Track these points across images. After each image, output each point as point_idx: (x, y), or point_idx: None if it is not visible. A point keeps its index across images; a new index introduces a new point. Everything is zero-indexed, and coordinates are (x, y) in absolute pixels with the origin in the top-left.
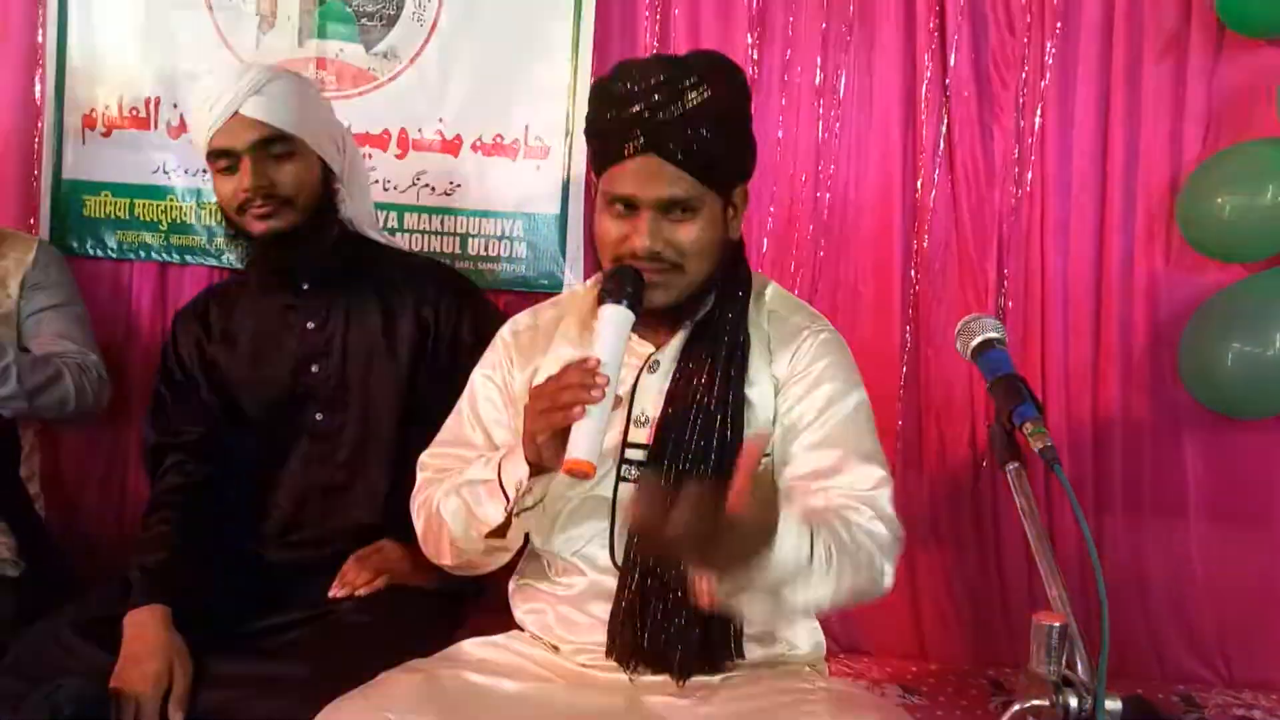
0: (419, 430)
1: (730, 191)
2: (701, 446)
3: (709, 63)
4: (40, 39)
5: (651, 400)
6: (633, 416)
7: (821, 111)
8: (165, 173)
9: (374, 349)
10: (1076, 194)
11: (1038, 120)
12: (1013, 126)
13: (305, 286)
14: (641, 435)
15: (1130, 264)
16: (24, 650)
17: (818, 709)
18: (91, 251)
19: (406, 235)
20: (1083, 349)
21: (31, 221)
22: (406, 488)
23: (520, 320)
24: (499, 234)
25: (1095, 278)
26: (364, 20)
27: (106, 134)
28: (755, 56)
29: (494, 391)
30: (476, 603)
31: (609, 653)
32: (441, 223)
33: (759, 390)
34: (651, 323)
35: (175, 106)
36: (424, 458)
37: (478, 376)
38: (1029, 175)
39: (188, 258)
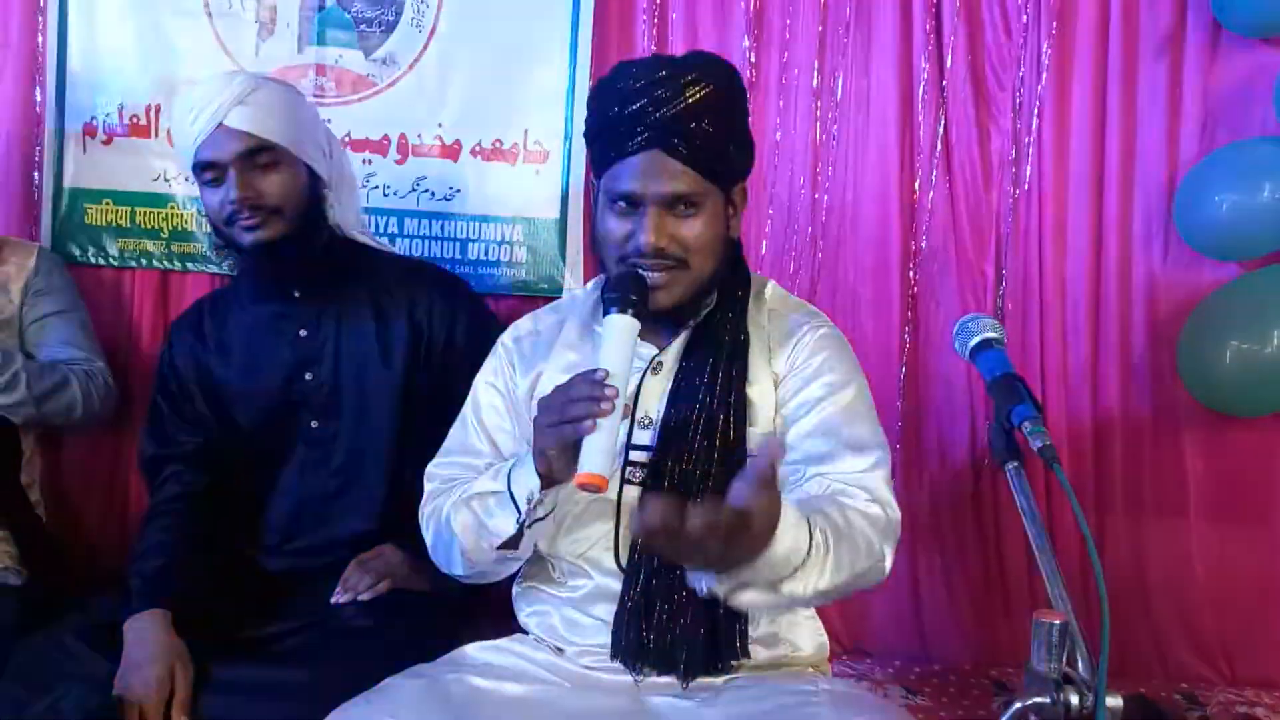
0: (415, 435)
1: (730, 189)
2: (704, 447)
3: (706, 60)
4: (41, 47)
5: (655, 402)
6: (636, 418)
7: (819, 114)
8: (166, 180)
9: (367, 354)
10: (1074, 194)
11: (1034, 121)
12: (1010, 127)
13: (297, 294)
14: (645, 437)
15: (1128, 263)
16: (26, 658)
17: (821, 710)
18: (93, 259)
19: (406, 240)
20: (1081, 348)
21: (33, 229)
22: (403, 493)
23: (521, 326)
24: (499, 239)
25: (1093, 277)
26: (363, 26)
27: (107, 142)
28: (753, 59)
29: (497, 399)
30: (478, 606)
31: (614, 654)
32: (441, 228)
33: (760, 389)
34: (654, 325)
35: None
36: (431, 468)
37: (480, 384)
38: (1026, 175)
39: (189, 265)
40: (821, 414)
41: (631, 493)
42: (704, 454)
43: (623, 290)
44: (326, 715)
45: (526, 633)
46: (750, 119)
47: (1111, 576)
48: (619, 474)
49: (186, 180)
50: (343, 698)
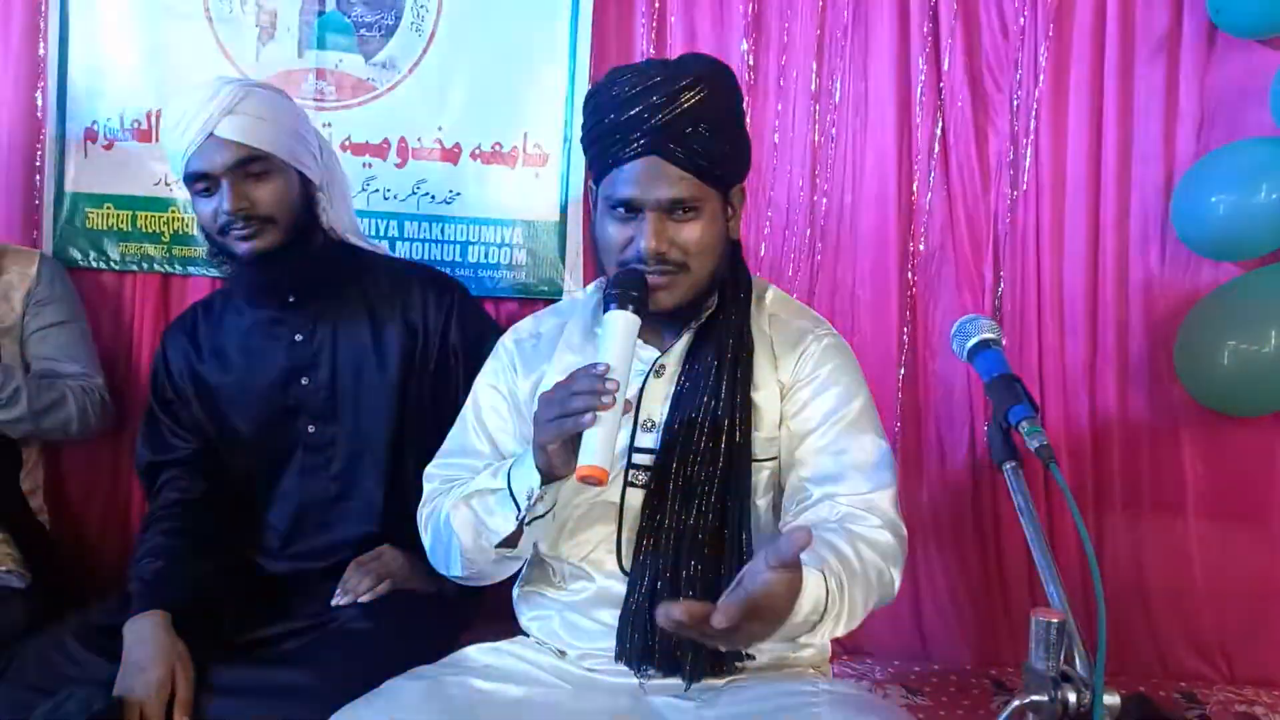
0: (413, 437)
1: (729, 190)
2: (709, 450)
3: (701, 63)
4: (42, 53)
5: (658, 405)
6: (639, 421)
7: (817, 116)
8: (167, 184)
9: (363, 358)
10: (1071, 195)
11: (1032, 122)
12: (1007, 129)
13: (291, 299)
14: (649, 440)
15: (1125, 263)
16: (29, 660)
17: (821, 710)
18: (94, 263)
19: (407, 244)
20: (1079, 348)
21: (34, 234)
22: (403, 496)
23: (523, 328)
24: (499, 241)
25: (1091, 277)
26: (363, 31)
27: (108, 147)
28: (751, 62)
29: (498, 400)
30: (478, 607)
31: (618, 656)
32: (441, 231)
33: (764, 394)
34: (656, 327)
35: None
36: (430, 469)
37: (481, 386)
38: (1024, 177)
39: (190, 269)
40: (830, 430)
41: (634, 496)
42: (708, 456)
43: (623, 287)
44: (328, 717)
45: (528, 634)
46: (748, 120)
47: (1110, 576)
48: (622, 476)
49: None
50: (344, 700)
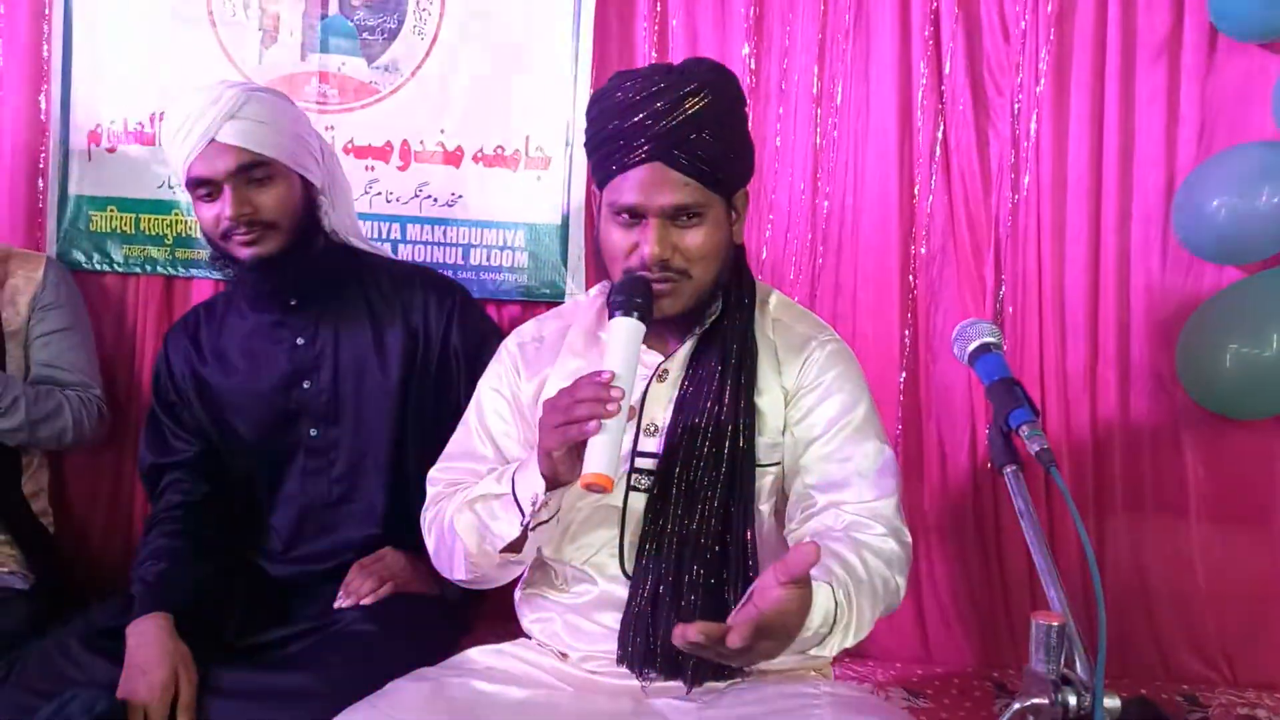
0: (414, 440)
1: (732, 195)
2: (713, 455)
3: (704, 69)
4: (46, 56)
5: (661, 409)
6: (642, 426)
7: (819, 120)
8: (170, 187)
9: (364, 362)
10: (1072, 198)
11: (1033, 126)
12: (1008, 132)
13: (293, 303)
14: (652, 444)
15: (1126, 267)
16: (32, 663)
17: (822, 713)
18: (98, 266)
19: (409, 246)
20: (1081, 352)
21: (38, 236)
22: (404, 498)
23: (525, 331)
24: (501, 244)
25: (1092, 281)
26: (365, 34)
27: (112, 150)
28: (753, 66)
29: (502, 404)
30: (481, 610)
31: (621, 660)
32: (444, 233)
33: (768, 399)
34: (660, 332)
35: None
36: (433, 472)
37: (484, 389)
38: (1025, 180)
39: (193, 271)
40: (835, 437)
41: (637, 500)
42: (711, 461)
43: (628, 293)
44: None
45: (530, 637)
46: (750, 125)
47: (1112, 579)
48: (625, 481)
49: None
50: (346, 702)
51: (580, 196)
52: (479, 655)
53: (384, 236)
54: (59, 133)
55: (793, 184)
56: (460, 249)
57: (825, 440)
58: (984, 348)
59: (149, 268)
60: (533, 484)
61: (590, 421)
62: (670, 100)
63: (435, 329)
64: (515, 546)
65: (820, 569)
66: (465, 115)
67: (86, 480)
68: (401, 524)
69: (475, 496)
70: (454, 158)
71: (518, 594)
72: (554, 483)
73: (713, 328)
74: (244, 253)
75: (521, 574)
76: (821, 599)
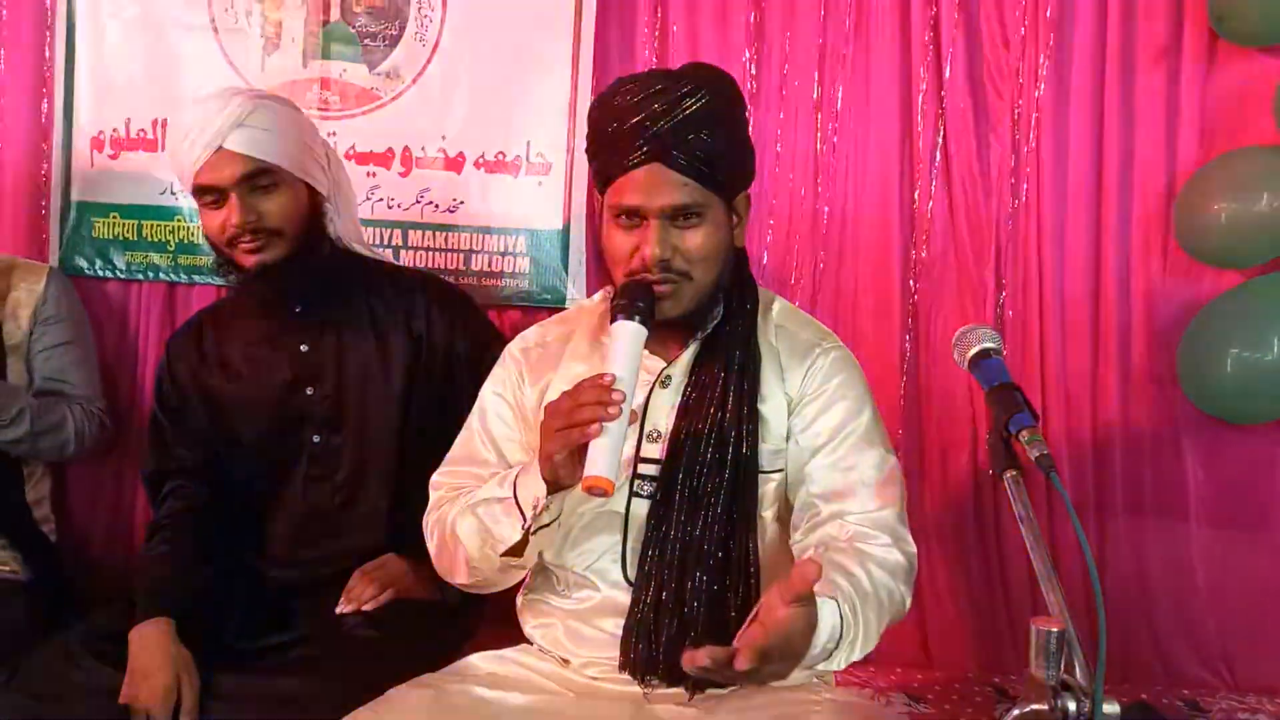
0: (417, 446)
1: (733, 198)
2: (716, 461)
3: (702, 71)
4: (49, 62)
5: (664, 415)
6: (645, 432)
7: (819, 124)
8: (172, 193)
9: (368, 368)
10: (1072, 203)
11: (1033, 131)
12: (1008, 137)
13: (297, 309)
14: (654, 451)
15: (1127, 271)
16: (33, 668)
17: (824, 719)
18: (100, 272)
19: (411, 252)
20: (1081, 356)
21: (41, 243)
22: (407, 505)
23: (529, 336)
24: (502, 250)
25: (1093, 285)
26: (367, 41)
27: (114, 156)
28: (754, 71)
29: (505, 409)
30: (482, 616)
31: (623, 666)
32: (445, 239)
33: (771, 406)
34: (662, 337)
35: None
36: (436, 476)
37: (487, 394)
38: (1025, 185)
39: (195, 277)
40: (839, 445)
41: (640, 506)
42: (715, 467)
43: (630, 298)
44: None
45: (531, 643)
46: (751, 130)
47: (1113, 584)
48: (627, 487)
49: (187, 195)
50: (348, 708)
51: (581, 202)
52: (480, 661)
53: (385, 242)
54: (62, 139)
55: (793, 189)
56: (461, 255)
57: (829, 449)
58: (984, 353)
59: (151, 274)
60: (534, 487)
61: (591, 424)
62: (668, 101)
63: (439, 335)
64: (516, 550)
65: (824, 584)
66: (466, 121)
67: (88, 487)
68: (404, 530)
69: (477, 500)
70: (455, 164)
71: (519, 599)
72: (555, 486)
73: (715, 333)
74: (249, 260)
75: (523, 579)
76: (827, 614)
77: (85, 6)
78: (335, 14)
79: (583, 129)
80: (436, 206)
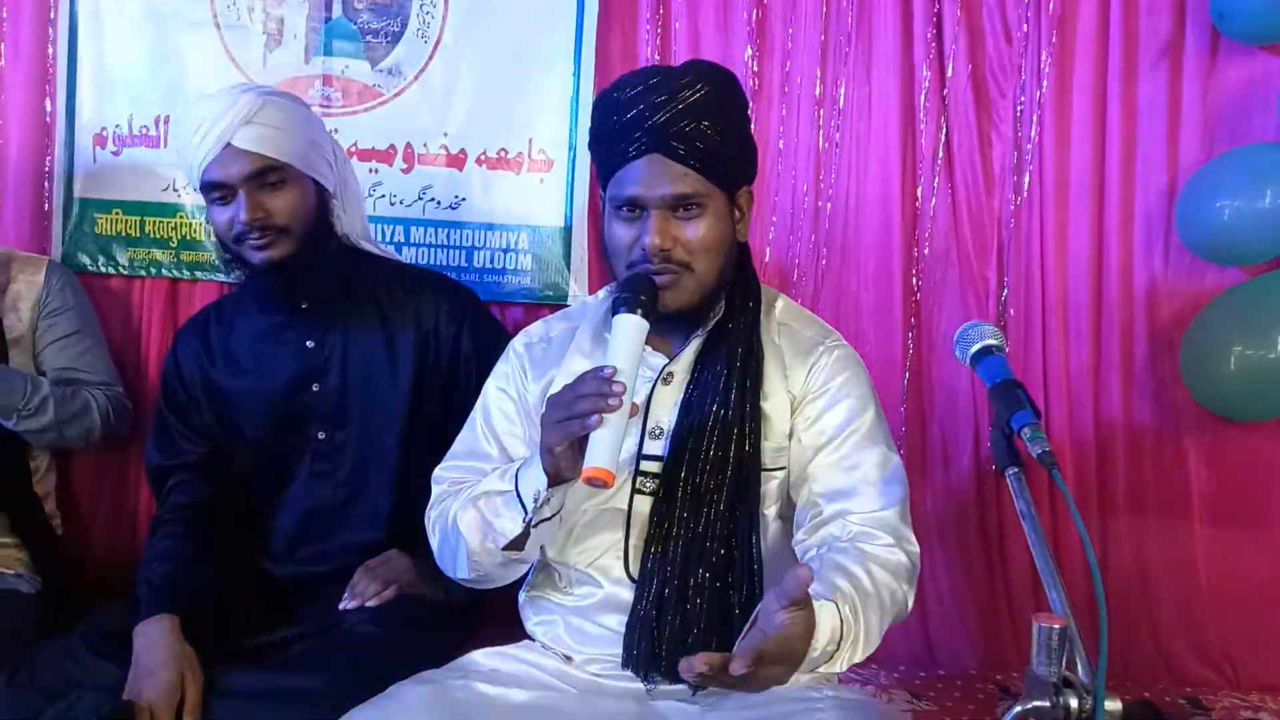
0: (422, 444)
1: (734, 191)
2: (718, 458)
3: (702, 66)
4: (51, 58)
5: (666, 412)
6: (648, 429)
7: (821, 121)
8: (175, 190)
9: (374, 365)
10: (1075, 200)
11: (1035, 128)
12: (1011, 134)
13: (304, 305)
14: (657, 447)
15: (1129, 268)
16: (38, 665)
17: (825, 717)
18: (103, 268)
19: (413, 249)
20: (1083, 353)
21: (44, 239)
22: (410, 503)
23: (533, 332)
24: (504, 246)
25: (1095, 282)
26: (369, 37)
27: (117, 152)
28: (755, 69)
29: (508, 404)
30: (484, 612)
31: (625, 663)
32: (447, 236)
33: (774, 403)
34: (664, 335)
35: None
36: (438, 471)
37: (491, 389)
38: (1027, 182)
39: (198, 274)
40: (843, 444)
41: (642, 503)
42: (717, 465)
43: (632, 291)
44: None
45: (534, 639)
46: (753, 126)
47: (1115, 581)
48: (630, 483)
49: (195, 190)
50: (350, 704)
51: (583, 199)
52: (483, 658)
53: (387, 239)
54: (64, 136)
55: (795, 186)
56: (463, 252)
57: (833, 448)
58: (986, 349)
59: (154, 271)
60: (535, 481)
61: (591, 416)
62: (667, 92)
63: (446, 334)
64: (517, 544)
65: (825, 585)
66: (468, 118)
67: (92, 482)
68: (407, 527)
69: (479, 494)
70: (457, 160)
71: (522, 596)
72: (556, 479)
73: (718, 330)
74: (257, 256)
75: (526, 576)
76: (826, 618)
77: (87, 2)
78: (337, 10)
79: (585, 126)
80: (438, 203)
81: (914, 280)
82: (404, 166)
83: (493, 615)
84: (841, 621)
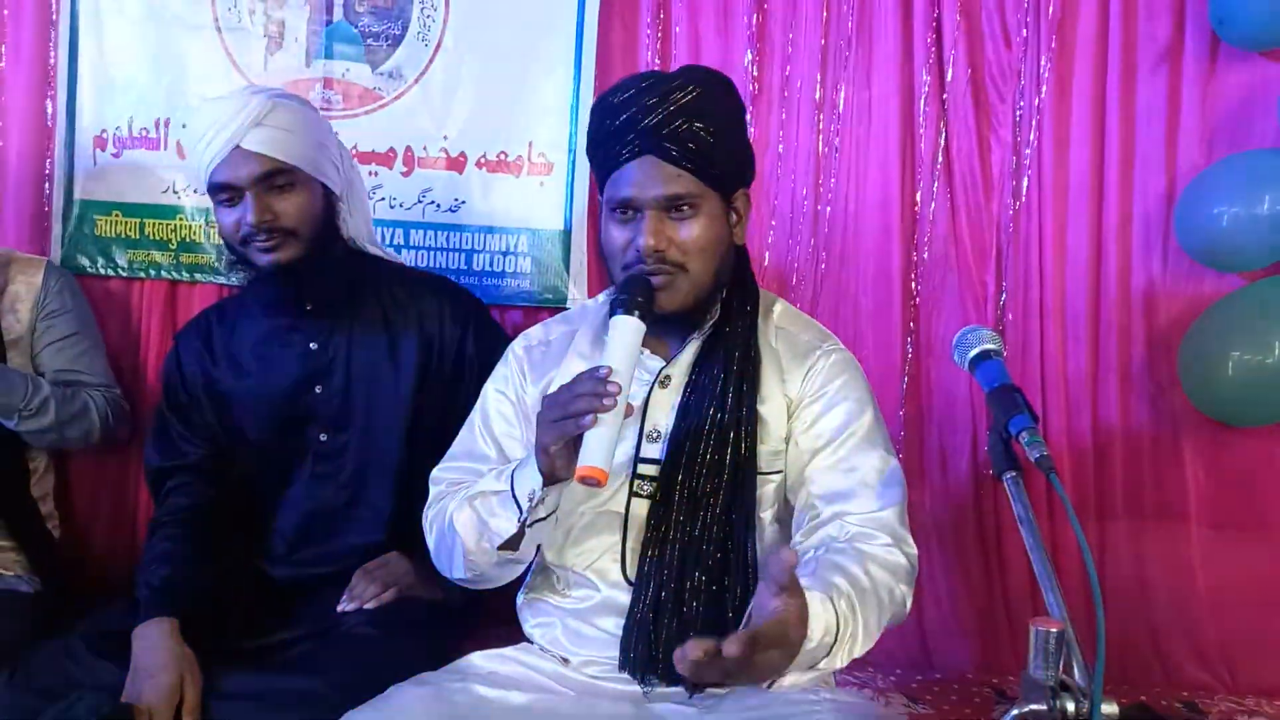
0: (423, 447)
1: (730, 194)
2: (715, 461)
3: (696, 70)
4: (52, 61)
5: (664, 415)
6: (645, 432)
7: (821, 126)
8: (175, 192)
9: (377, 368)
10: (1073, 204)
11: (1034, 133)
12: (1010, 139)
13: (308, 307)
14: (654, 450)
15: (1128, 273)
16: (37, 666)
17: (823, 719)
18: (103, 270)
19: (412, 252)
20: (1081, 357)
21: (43, 241)
22: (411, 506)
23: (533, 334)
24: (503, 249)
25: (1093, 287)
26: (370, 40)
27: (117, 155)
28: (755, 73)
29: (506, 405)
30: (483, 614)
31: (623, 666)
32: (447, 239)
33: (771, 407)
34: (661, 338)
35: (185, 127)
36: (436, 472)
37: (490, 390)
38: (1026, 186)
39: (197, 276)
40: (840, 447)
41: (640, 506)
42: (714, 468)
43: (629, 292)
44: None
45: (531, 641)
46: (752, 131)
47: (1112, 585)
48: (627, 486)
49: (195, 192)
50: (349, 706)
51: (583, 202)
52: (481, 660)
53: (387, 242)
54: (65, 138)
55: (795, 190)
56: (463, 255)
57: (830, 450)
58: (984, 354)
59: (153, 273)
60: (531, 480)
61: (586, 415)
62: (659, 95)
63: (449, 337)
64: (512, 544)
65: (821, 582)
66: (468, 121)
67: (91, 484)
68: (406, 530)
69: (475, 493)
70: (457, 164)
71: (519, 598)
72: (551, 478)
73: (715, 333)
74: (263, 259)
75: (523, 578)
76: (820, 609)
77: (88, 5)
78: (338, 13)
79: (584, 129)
80: (438, 206)
81: (913, 284)
82: (404, 169)
83: (491, 617)
84: (839, 617)
